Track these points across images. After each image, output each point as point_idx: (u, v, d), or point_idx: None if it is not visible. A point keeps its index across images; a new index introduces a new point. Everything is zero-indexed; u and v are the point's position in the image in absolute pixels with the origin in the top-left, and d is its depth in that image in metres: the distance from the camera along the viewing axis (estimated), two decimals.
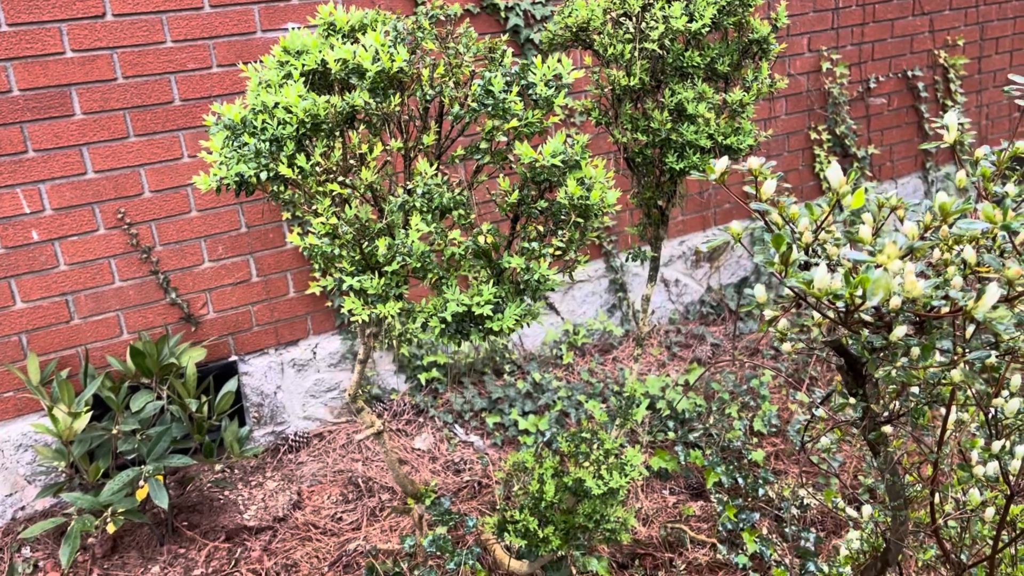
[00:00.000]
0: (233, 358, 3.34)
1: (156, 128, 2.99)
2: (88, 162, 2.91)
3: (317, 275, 3.41)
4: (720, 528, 2.83)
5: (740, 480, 3.07)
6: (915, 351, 0.90)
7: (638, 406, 3.10)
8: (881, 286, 0.76)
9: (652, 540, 2.86)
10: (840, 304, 0.83)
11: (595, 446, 2.41)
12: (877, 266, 0.81)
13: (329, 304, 3.49)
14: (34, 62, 2.75)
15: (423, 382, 3.71)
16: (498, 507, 2.76)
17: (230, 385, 2.99)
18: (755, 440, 3.37)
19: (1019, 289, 0.82)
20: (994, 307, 0.80)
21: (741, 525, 2.80)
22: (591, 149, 1.50)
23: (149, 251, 3.08)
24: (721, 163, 0.98)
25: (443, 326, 1.37)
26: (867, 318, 0.89)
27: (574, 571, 2.69)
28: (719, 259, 4.51)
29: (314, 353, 3.52)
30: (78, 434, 2.70)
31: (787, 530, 2.84)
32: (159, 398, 2.90)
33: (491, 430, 3.55)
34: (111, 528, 2.65)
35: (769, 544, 2.72)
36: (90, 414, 2.72)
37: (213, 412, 2.92)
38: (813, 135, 4.53)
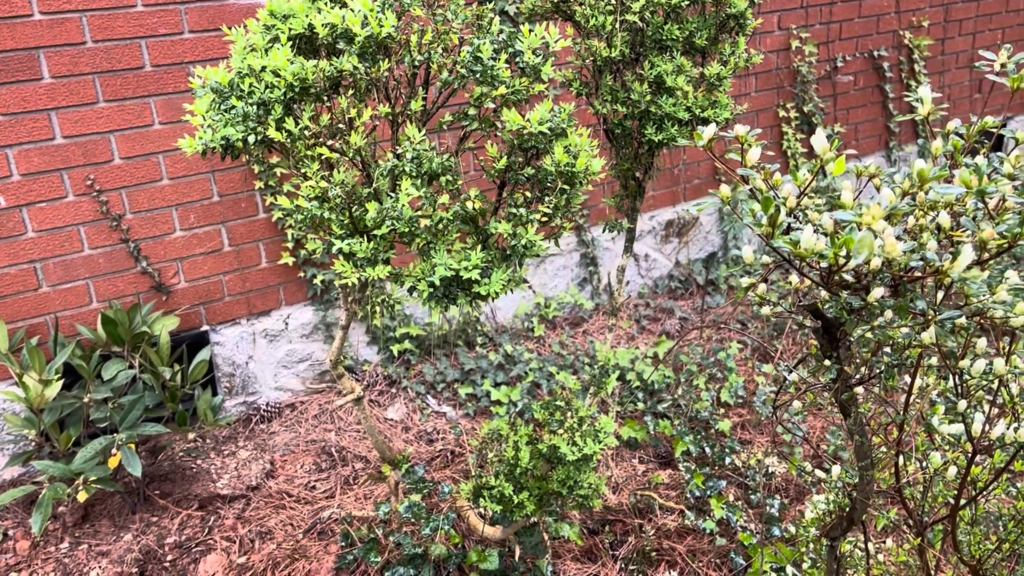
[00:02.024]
0: (205, 328, 3.33)
1: (126, 94, 2.95)
2: (57, 127, 2.86)
3: (290, 245, 3.41)
4: (688, 495, 2.91)
5: (707, 449, 3.15)
6: (889, 313, 0.95)
7: (610, 376, 3.15)
8: (865, 245, 0.80)
9: (622, 507, 2.92)
10: (824, 264, 0.87)
11: (569, 414, 2.45)
12: (860, 228, 0.85)
13: (302, 275, 3.48)
14: (1, 24, 2.69)
15: (396, 353, 3.72)
16: (472, 474, 2.80)
17: (203, 354, 2.98)
18: (722, 411, 3.45)
19: (992, 251, 0.87)
20: (967, 268, 0.85)
21: (708, 492, 2.87)
22: (575, 121, 1.53)
23: (119, 219, 3.04)
24: (709, 129, 1.02)
25: (431, 290, 1.39)
26: (848, 279, 0.93)
27: (546, 537, 2.75)
28: (688, 234, 4.58)
29: (286, 324, 3.52)
30: (49, 402, 2.68)
31: (753, 497, 2.92)
32: (131, 367, 2.88)
33: (463, 401, 3.58)
34: (83, 496, 2.64)
35: (735, 510, 2.80)
36: (61, 382, 2.70)
37: (186, 381, 2.92)
38: (781, 112, 4.60)
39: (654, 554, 2.71)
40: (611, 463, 3.19)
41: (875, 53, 4.87)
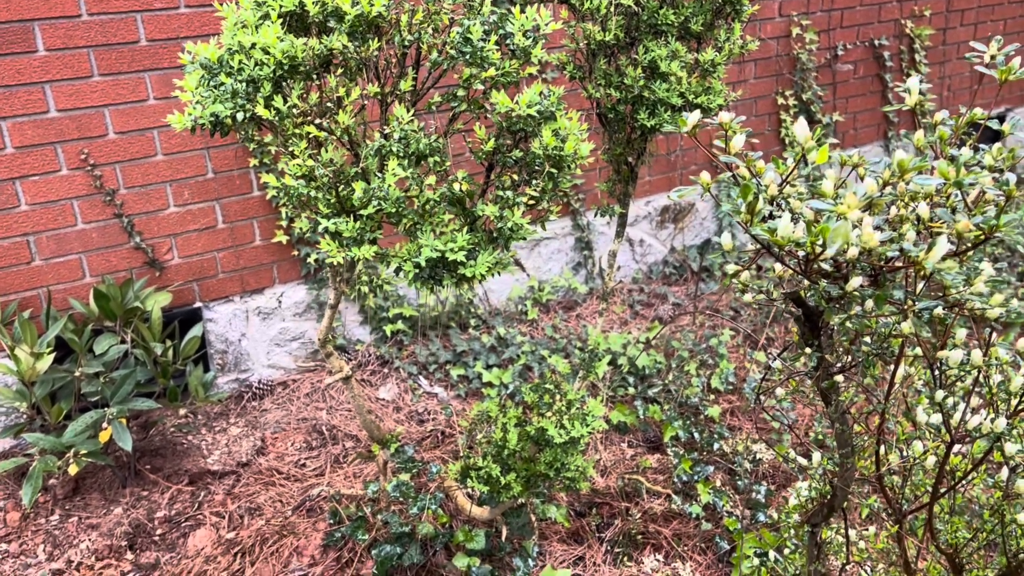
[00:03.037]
0: (198, 304, 3.33)
1: (121, 68, 2.93)
2: (51, 100, 2.85)
3: (283, 223, 3.41)
4: (676, 480, 2.93)
5: (696, 435, 3.17)
6: (869, 303, 0.95)
7: (600, 360, 3.17)
8: (840, 234, 0.80)
9: (610, 490, 2.94)
10: (801, 253, 0.87)
11: (558, 397, 2.46)
12: (838, 217, 0.86)
13: (295, 253, 3.48)
14: None
15: (388, 334, 3.73)
16: (461, 455, 2.82)
17: (195, 330, 2.98)
18: (712, 397, 3.47)
19: (968, 243, 0.88)
20: (944, 259, 0.85)
21: (696, 477, 2.89)
22: (564, 104, 1.53)
23: (113, 194, 3.04)
24: (693, 116, 1.02)
25: (417, 271, 1.39)
26: (826, 267, 0.93)
27: (533, 518, 2.77)
28: (683, 220, 4.58)
29: (279, 302, 3.52)
30: (40, 375, 2.69)
31: (740, 483, 2.94)
32: (123, 342, 2.89)
33: (455, 382, 3.60)
34: (73, 469, 2.66)
35: (722, 495, 2.82)
36: (53, 355, 2.71)
37: (178, 356, 2.93)
38: (780, 100, 4.58)
39: (640, 537, 2.73)
40: (600, 447, 3.21)
41: (876, 42, 4.85)
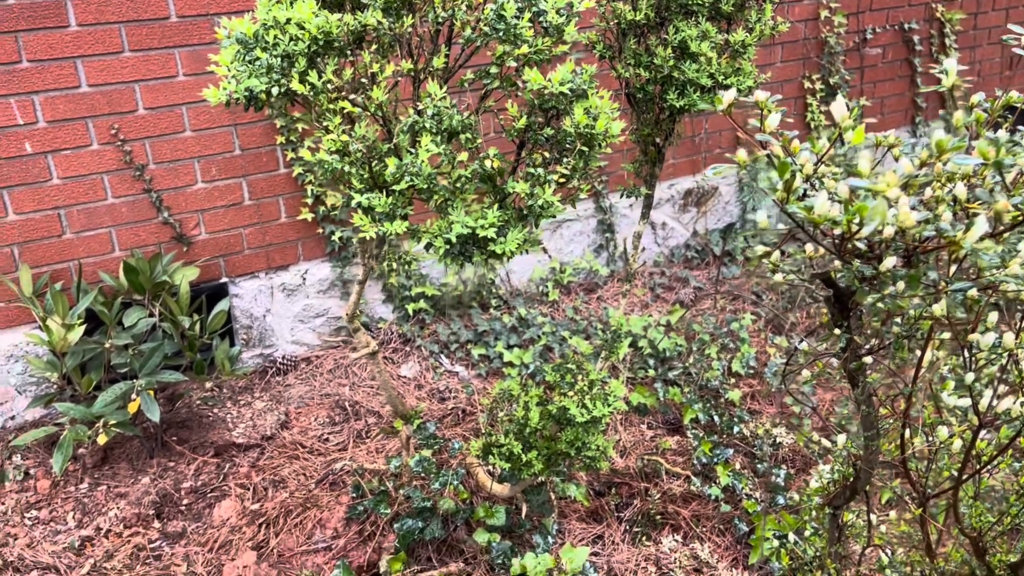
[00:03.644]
0: (224, 280, 3.37)
1: (152, 44, 2.96)
2: (82, 75, 2.88)
3: (309, 201, 3.43)
4: (695, 462, 2.94)
5: (716, 418, 3.18)
6: (900, 284, 0.95)
7: (622, 341, 3.18)
8: (878, 212, 0.81)
9: (629, 470, 2.96)
10: (837, 231, 0.88)
11: (580, 377, 2.48)
12: (875, 196, 0.86)
13: (320, 231, 3.51)
14: None
15: (410, 312, 3.76)
16: (483, 432, 2.84)
17: (222, 305, 3.02)
18: (732, 380, 3.47)
19: (1006, 222, 0.88)
20: (981, 239, 0.85)
21: (715, 459, 2.90)
22: (596, 83, 1.54)
23: (142, 169, 3.07)
24: (729, 94, 1.02)
25: (447, 247, 1.41)
26: (860, 247, 0.94)
27: (553, 496, 2.79)
28: (706, 204, 4.56)
29: (304, 279, 3.56)
30: (71, 346, 2.73)
31: (759, 466, 2.95)
32: (151, 315, 2.93)
33: (476, 361, 3.62)
34: (103, 439, 2.71)
35: (741, 478, 2.83)
36: (83, 327, 2.75)
37: (205, 330, 2.97)
38: (807, 84, 4.54)
39: (659, 517, 2.75)
40: (620, 428, 3.22)
41: (906, 26, 4.79)
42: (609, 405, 2.38)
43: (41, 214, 2.95)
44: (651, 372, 3.47)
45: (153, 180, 3.10)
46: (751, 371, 3.54)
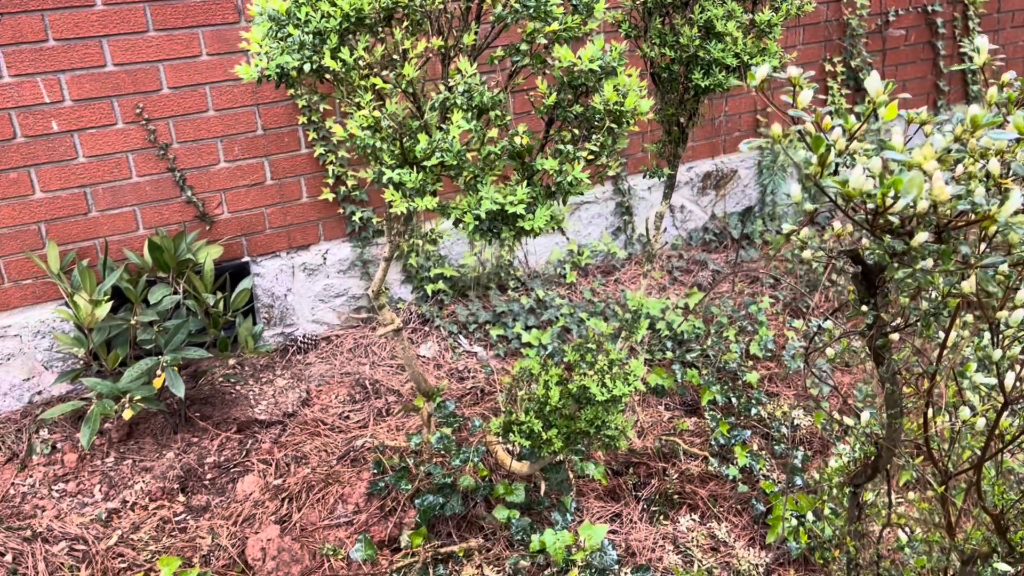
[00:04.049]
0: (246, 259, 3.40)
1: (176, 24, 2.98)
2: (108, 54, 2.90)
3: (330, 181, 3.45)
4: (713, 443, 2.96)
5: (734, 400, 3.19)
6: (930, 261, 0.96)
7: (641, 322, 3.19)
8: (915, 184, 0.82)
9: (647, 451, 2.98)
10: (871, 205, 0.89)
11: (600, 357, 2.50)
12: (909, 169, 0.87)
13: (341, 211, 3.53)
14: None
15: (429, 293, 3.78)
16: (502, 411, 2.87)
17: (245, 283, 3.05)
18: (750, 363, 3.48)
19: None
20: (1015, 214, 0.86)
21: (733, 440, 2.92)
22: (625, 60, 1.54)
23: (166, 148, 3.10)
24: (762, 69, 1.03)
25: (477, 223, 1.43)
26: (894, 221, 0.94)
27: (571, 475, 2.82)
28: (725, 187, 4.55)
29: (324, 259, 3.58)
30: (98, 322, 2.77)
31: (777, 448, 2.97)
32: (176, 292, 2.97)
33: (494, 342, 3.64)
34: (128, 414, 2.75)
35: (759, 459, 2.85)
36: (110, 303, 2.79)
37: (229, 308, 3.00)
38: (827, 67, 4.51)
39: (676, 497, 2.78)
40: (638, 409, 3.24)
41: (929, 8, 4.74)
42: (629, 384, 2.40)
43: (67, 192, 2.98)
44: (669, 354, 3.48)
45: (176, 159, 3.13)
46: (769, 354, 3.55)
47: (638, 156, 4.19)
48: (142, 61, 2.96)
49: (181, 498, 2.78)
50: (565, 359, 2.61)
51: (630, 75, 1.51)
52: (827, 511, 2.07)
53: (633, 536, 2.64)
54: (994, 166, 0.94)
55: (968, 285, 1.11)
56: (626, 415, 3.17)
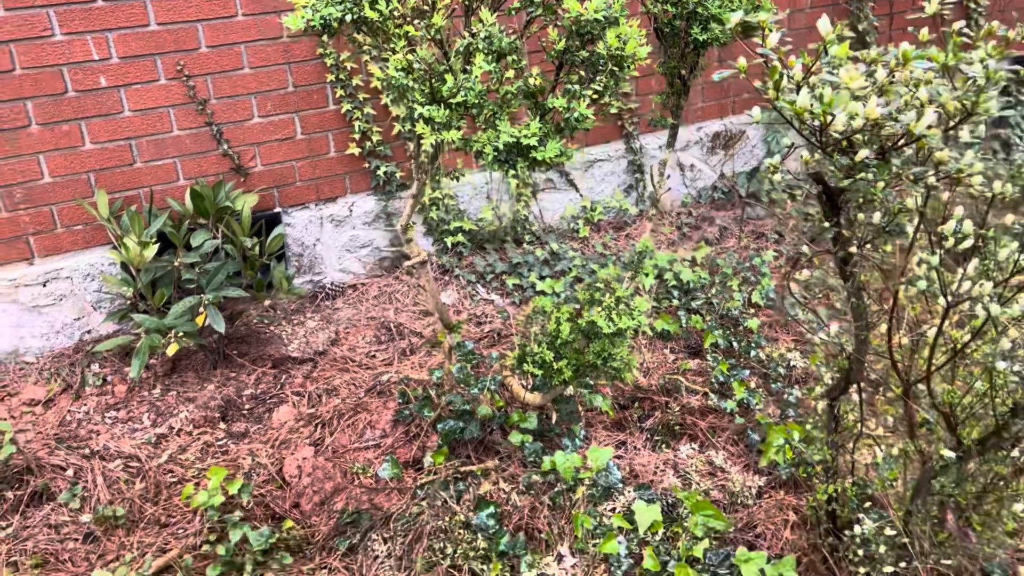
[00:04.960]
0: (277, 209, 3.63)
1: None
2: (151, 14, 3.11)
3: (356, 136, 3.67)
4: (713, 380, 3.18)
5: (735, 344, 3.40)
6: (871, 174, 1.16)
7: (646, 262, 3.39)
8: (842, 100, 1.01)
9: (652, 388, 3.21)
10: (816, 123, 1.08)
11: (608, 295, 2.71)
12: (840, 90, 1.06)
13: (367, 165, 3.75)
14: None
15: (449, 245, 4.00)
16: (517, 345, 3.09)
17: (279, 229, 3.29)
18: (752, 311, 3.68)
19: (955, 116, 1.08)
20: (929, 127, 1.05)
21: (732, 378, 3.13)
22: (627, 12, 1.73)
23: (204, 103, 3.32)
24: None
25: (495, 153, 1.64)
26: (836, 136, 1.14)
27: (581, 408, 3.05)
28: (734, 147, 4.72)
29: (351, 211, 3.81)
30: (146, 262, 3.02)
31: (774, 386, 3.18)
32: (215, 237, 3.21)
33: (510, 290, 3.86)
34: (173, 348, 3.00)
35: (755, 395, 3.06)
36: (157, 245, 3.03)
37: (264, 251, 3.24)
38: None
39: (677, 428, 3.00)
40: (644, 351, 3.46)
41: None
42: (633, 319, 2.62)
43: (114, 144, 3.22)
44: (675, 302, 3.69)
45: (214, 114, 3.35)
46: (770, 303, 3.75)
47: (648, 116, 4.37)
48: (182, 21, 3.18)
49: (222, 425, 3.04)
50: (576, 298, 2.83)
51: (631, 25, 1.71)
52: (809, 425, 2.29)
53: (637, 461, 2.87)
54: (923, 94, 1.13)
55: (911, 201, 1.32)
56: (634, 355, 3.39)
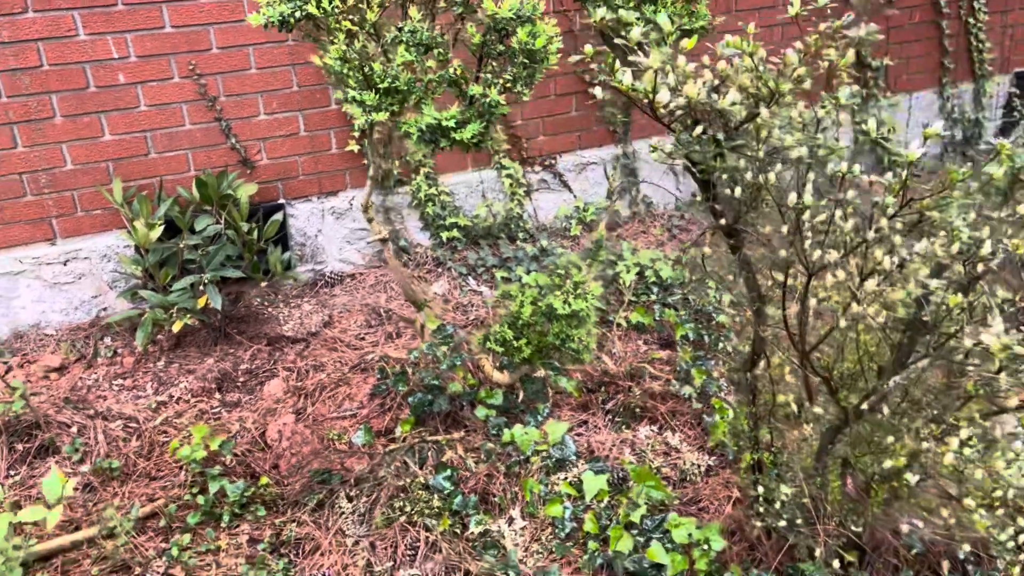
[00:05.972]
0: (281, 201, 3.90)
1: None
2: (167, 17, 3.41)
3: (356, 134, 3.93)
4: (678, 368, 3.34)
5: (706, 337, 3.56)
6: (710, 148, 1.35)
7: (602, 250, 3.56)
8: (648, 79, 1.21)
9: (619, 374, 3.38)
10: (646, 101, 1.28)
11: (568, 282, 2.92)
12: (657, 72, 1.26)
13: (365, 162, 4.00)
14: None
15: (444, 239, 4.24)
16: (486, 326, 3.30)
17: (277, 216, 3.55)
18: (728, 308, 3.84)
19: (751, 92, 1.26)
20: (732, 104, 1.24)
21: (694, 365, 3.30)
22: (541, 11, 1.93)
23: (214, 100, 3.61)
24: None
25: (420, 133, 1.86)
26: (662, 111, 1.33)
27: (550, 390, 3.24)
28: None
29: (351, 204, 4.06)
30: (153, 243, 3.30)
31: (735, 376, 3.33)
32: (217, 222, 3.48)
33: (499, 283, 4.08)
34: (177, 326, 3.27)
35: (713, 382, 3.22)
36: (163, 227, 3.31)
37: (262, 236, 3.50)
38: None
39: (639, 410, 3.17)
40: (618, 342, 3.64)
41: None
42: (587, 301, 2.81)
43: (131, 136, 3.52)
44: (653, 297, 3.86)
45: (223, 110, 3.64)
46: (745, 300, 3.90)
47: (641, 123, 4.56)
48: (195, 24, 3.47)
49: (217, 395, 3.30)
50: (538, 282, 3.03)
51: (547, 24, 1.92)
52: (734, 402, 2.46)
53: (596, 439, 3.06)
54: (745, 80, 1.32)
55: (771, 177, 1.51)
56: (606, 347, 3.57)
